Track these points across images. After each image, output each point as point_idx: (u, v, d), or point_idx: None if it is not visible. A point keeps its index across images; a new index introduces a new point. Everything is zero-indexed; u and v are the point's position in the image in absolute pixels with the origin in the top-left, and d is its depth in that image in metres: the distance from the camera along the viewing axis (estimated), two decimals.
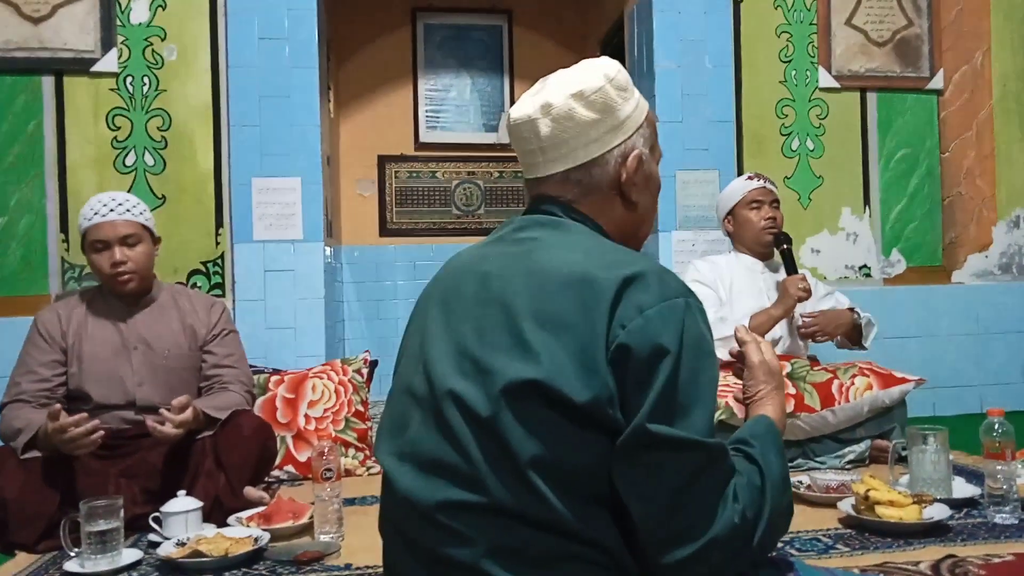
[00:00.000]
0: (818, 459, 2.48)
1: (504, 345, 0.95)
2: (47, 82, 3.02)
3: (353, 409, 2.72)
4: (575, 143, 1.05)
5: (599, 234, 1.07)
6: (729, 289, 2.68)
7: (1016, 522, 1.83)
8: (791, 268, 2.64)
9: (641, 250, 1.15)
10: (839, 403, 2.44)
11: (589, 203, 1.08)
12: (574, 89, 1.04)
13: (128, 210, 2.20)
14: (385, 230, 4.41)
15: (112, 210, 2.17)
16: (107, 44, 3.05)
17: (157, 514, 1.92)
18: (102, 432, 1.97)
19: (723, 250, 2.95)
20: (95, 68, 3.04)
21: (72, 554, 1.74)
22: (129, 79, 3.06)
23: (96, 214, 2.17)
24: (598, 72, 1.06)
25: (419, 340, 1.06)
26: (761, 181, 2.78)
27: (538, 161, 1.08)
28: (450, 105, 4.49)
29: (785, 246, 2.67)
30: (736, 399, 2.36)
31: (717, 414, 2.33)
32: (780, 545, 1.74)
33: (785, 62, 3.49)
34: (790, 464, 2.47)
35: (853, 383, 2.47)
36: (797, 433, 2.46)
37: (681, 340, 0.91)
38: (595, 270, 0.95)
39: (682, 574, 0.92)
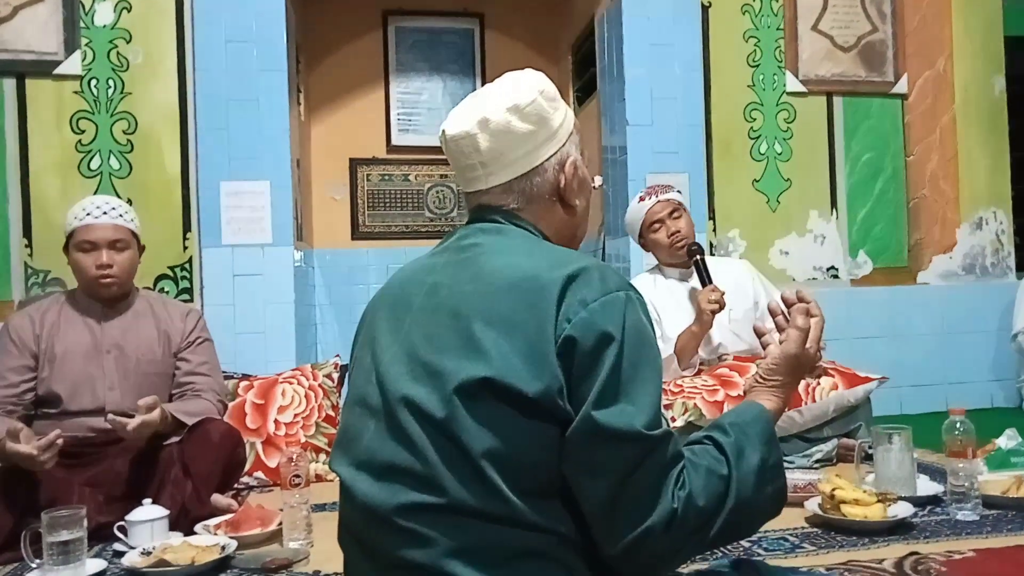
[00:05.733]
0: (786, 459, 2.51)
1: (454, 347, 0.96)
2: (8, 85, 2.96)
3: (324, 414, 2.71)
4: (514, 155, 1.09)
5: (540, 238, 1.10)
6: (656, 310, 2.61)
7: (977, 519, 1.87)
8: (703, 280, 2.56)
9: (597, 254, 1.18)
10: (805, 403, 2.47)
11: (531, 210, 1.11)
12: (509, 103, 1.08)
13: (121, 215, 2.24)
14: (357, 233, 4.38)
15: (105, 213, 2.21)
16: (71, 46, 3.00)
17: (122, 523, 1.89)
18: (60, 441, 1.93)
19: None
20: (58, 71, 2.99)
21: (33, 565, 1.70)
22: (94, 82, 3.02)
23: (88, 215, 2.20)
24: (530, 85, 1.10)
25: (369, 352, 1.07)
26: (653, 197, 2.69)
27: (478, 174, 1.11)
28: (422, 108, 4.47)
29: (697, 257, 2.59)
30: (705, 399, 2.40)
31: (685, 415, 2.35)
32: (747, 544, 1.76)
33: (753, 67, 3.53)
34: None
35: (819, 383, 2.50)
36: None
37: (623, 328, 0.94)
38: (540, 270, 0.98)
39: (627, 561, 0.94)
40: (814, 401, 2.48)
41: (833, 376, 2.54)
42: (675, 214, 2.67)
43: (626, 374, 0.93)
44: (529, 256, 1.01)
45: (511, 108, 1.07)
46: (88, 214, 2.20)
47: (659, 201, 2.68)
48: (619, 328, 0.94)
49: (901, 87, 3.66)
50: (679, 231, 2.65)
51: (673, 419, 2.34)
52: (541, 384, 0.92)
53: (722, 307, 2.51)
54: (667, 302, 2.68)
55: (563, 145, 1.12)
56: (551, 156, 1.10)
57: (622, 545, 0.93)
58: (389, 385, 1.00)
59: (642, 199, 2.73)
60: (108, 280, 2.21)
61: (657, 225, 2.67)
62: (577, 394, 0.93)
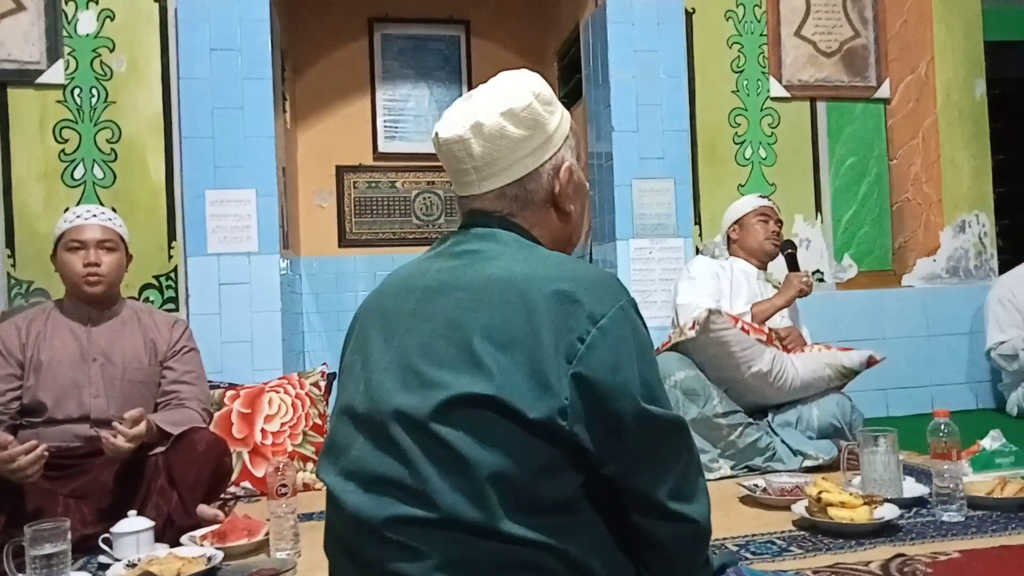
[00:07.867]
0: (781, 462, 2.53)
1: (452, 359, 0.95)
2: None
3: (311, 423, 2.70)
4: (508, 160, 1.07)
5: (536, 244, 1.08)
6: (730, 284, 2.84)
7: (962, 520, 1.88)
8: (794, 268, 2.86)
9: (594, 260, 1.20)
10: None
11: (525, 216, 1.09)
12: (503, 107, 1.05)
13: (110, 219, 2.30)
14: (344, 240, 4.37)
15: (94, 216, 2.26)
16: (53, 55, 2.98)
17: (107, 535, 1.87)
18: (46, 453, 1.92)
19: (679, 258, 3.01)
20: (41, 80, 2.97)
21: None
22: (77, 91, 3.00)
23: (78, 217, 2.25)
24: (525, 89, 1.08)
25: (360, 359, 1.06)
26: (771, 203, 2.99)
27: (472, 179, 1.09)
28: (408, 115, 4.47)
29: (789, 250, 2.91)
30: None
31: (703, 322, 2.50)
32: (735, 548, 1.76)
33: (737, 72, 3.55)
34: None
35: (813, 348, 2.70)
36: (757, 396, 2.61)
37: (639, 374, 0.96)
38: (537, 281, 0.96)
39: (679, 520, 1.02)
40: (802, 351, 2.64)
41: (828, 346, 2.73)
42: (780, 223, 2.98)
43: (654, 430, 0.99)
44: (526, 265, 0.99)
45: (505, 112, 1.05)
46: (78, 216, 2.25)
47: (774, 207, 2.99)
48: (636, 378, 0.96)
49: (884, 91, 3.70)
50: (777, 233, 2.95)
51: (693, 326, 2.51)
52: (543, 405, 0.91)
53: (810, 290, 2.78)
54: (738, 283, 2.85)
55: (558, 150, 1.10)
56: (546, 161, 1.08)
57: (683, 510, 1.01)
58: (381, 397, 0.98)
59: (762, 197, 3.03)
60: (95, 278, 2.21)
61: (765, 218, 2.93)
62: (605, 454, 0.96)
